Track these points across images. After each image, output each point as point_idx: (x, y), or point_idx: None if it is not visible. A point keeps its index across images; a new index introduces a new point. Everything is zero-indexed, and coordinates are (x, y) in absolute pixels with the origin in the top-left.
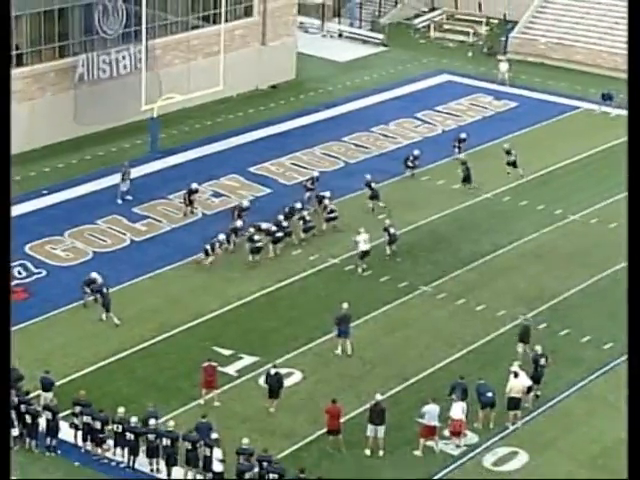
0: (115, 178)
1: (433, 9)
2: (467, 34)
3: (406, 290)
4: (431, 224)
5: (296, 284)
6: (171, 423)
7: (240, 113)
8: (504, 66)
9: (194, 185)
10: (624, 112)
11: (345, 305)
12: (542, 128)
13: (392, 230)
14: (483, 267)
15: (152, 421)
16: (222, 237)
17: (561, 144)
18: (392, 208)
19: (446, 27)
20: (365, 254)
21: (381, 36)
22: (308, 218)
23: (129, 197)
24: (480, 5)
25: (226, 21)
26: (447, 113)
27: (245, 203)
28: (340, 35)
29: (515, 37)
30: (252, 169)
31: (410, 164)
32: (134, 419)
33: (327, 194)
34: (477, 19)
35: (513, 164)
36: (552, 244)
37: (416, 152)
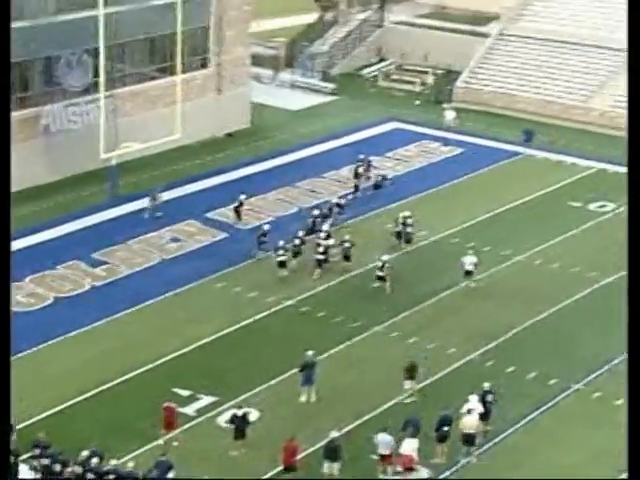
0: (74, 224)
1: (381, 60)
2: (414, 83)
3: (360, 329)
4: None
5: (253, 325)
6: (130, 464)
7: (198, 160)
8: (450, 114)
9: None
10: (549, 154)
11: (310, 352)
12: (487, 173)
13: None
14: (434, 306)
15: (95, 459)
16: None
17: (506, 188)
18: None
19: (394, 77)
20: (468, 273)
21: (332, 85)
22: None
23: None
24: (426, 56)
25: (183, 72)
26: (396, 159)
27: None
28: (293, 85)
29: (460, 86)
30: (209, 214)
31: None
32: (95, 460)
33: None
34: (424, 69)
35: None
36: (500, 283)
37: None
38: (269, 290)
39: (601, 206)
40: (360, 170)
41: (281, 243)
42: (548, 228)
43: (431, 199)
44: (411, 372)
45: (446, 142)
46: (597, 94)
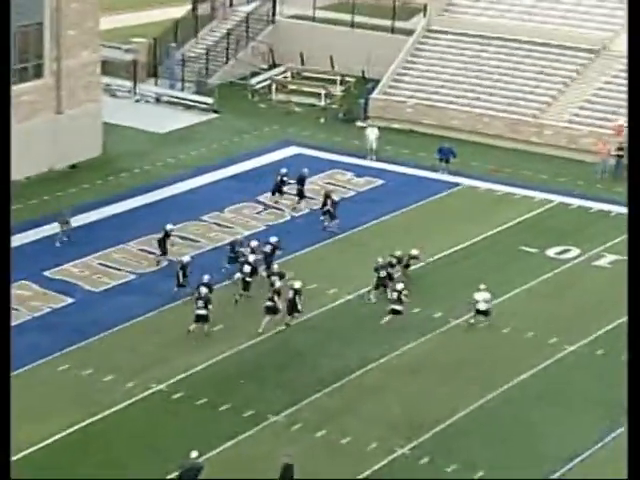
0: None
1: (274, 65)
2: (318, 96)
3: (252, 421)
4: (282, 334)
5: (111, 418)
6: None
7: (32, 201)
8: (373, 133)
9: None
10: (493, 185)
11: (194, 454)
12: (415, 211)
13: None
14: (348, 388)
15: None
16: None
17: (438, 231)
18: (232, 315)
19: (291, 87)
20: (480, 312)
21: (210, 100)
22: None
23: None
24: (332, 60)
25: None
26: (296, 195)
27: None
28: (158, 100)
29: (377, 98)
30: (48, 273)
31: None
32: None
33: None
34: (330, 77)
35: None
36: (431, 356)
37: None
38: (131, 371)
39: (562, 252)
40: (285, 189)
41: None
42: (494, 281)
43: (338, 249)
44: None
45: (360, 172)
46: (552, 106)
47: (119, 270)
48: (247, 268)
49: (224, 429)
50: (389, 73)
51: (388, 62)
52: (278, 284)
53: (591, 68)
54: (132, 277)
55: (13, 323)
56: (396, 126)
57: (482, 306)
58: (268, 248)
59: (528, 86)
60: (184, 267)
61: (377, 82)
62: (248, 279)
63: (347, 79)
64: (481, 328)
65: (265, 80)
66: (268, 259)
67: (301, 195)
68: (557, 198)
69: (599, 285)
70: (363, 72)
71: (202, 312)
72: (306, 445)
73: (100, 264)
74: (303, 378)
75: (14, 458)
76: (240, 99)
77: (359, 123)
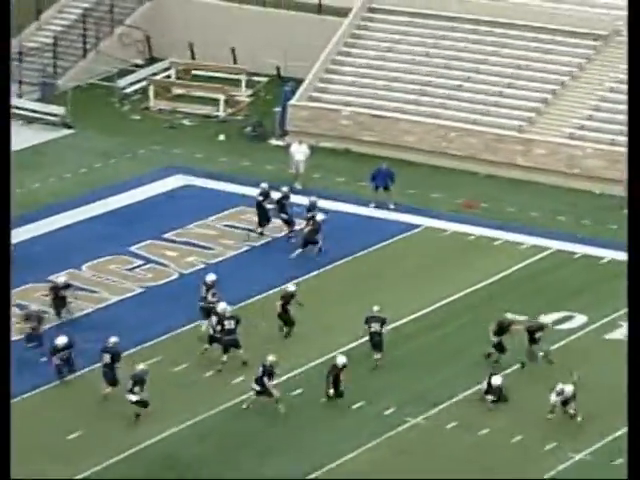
0: None
1: (152, 60)
2: (215, 103)
3: None
4: (169, 438)
5: None
6: None
7: None
8: (300, 152)
9: None
10: (465, 227)
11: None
12: (357, 263)
13: None
14: None
15: None
16: None
17: (389, 290)
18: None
19: (177, 91)
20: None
21: (60, 110)
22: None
23: None
24: (235, 53)
25: None
26: (185, 244)
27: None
28: None
29: (299, 106)
30: None
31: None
32: None
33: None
34: (232, 77)
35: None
36: (381, 466)
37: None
38: None
39: (562, 320)
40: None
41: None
42: (468, 364)
43: (254, 313)
44: None
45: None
46: (544, 115)
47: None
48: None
49: None
50: (315, 70)
51: (314, 55)
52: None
53: (599, 61)
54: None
55: None
56: (326, 145)
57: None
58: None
59: (512, 87)
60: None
61: (299, 83)
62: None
63: (256, 79)
64: (449, 430)
65: (139, 81)
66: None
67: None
68: (554, 244)
69: (614, 367)
70: (279, 69)
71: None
72: None
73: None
74: None
75: None
76: (103, 108)
77: (274, 141)
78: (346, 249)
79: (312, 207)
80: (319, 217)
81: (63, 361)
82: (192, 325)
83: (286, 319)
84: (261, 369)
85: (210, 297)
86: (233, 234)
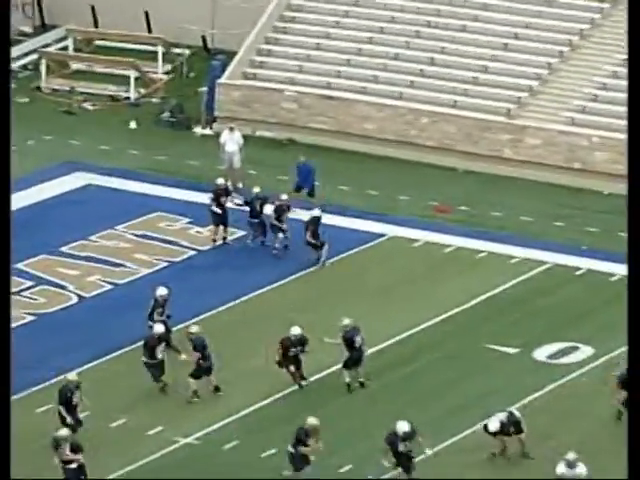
0: None
1: (44, 28)
2: (124, 81)
3: None
4: None
5: None
6: None
7: None
8: (233, 142)
9: None
10: (442, 237)
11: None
12: (309, 279)
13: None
14: None
15: None
16: None
17: (348, 314)
18: None
19: (76, 66)
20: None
21: None
22: None
23: None
24: (149, 18)
25: None
26: (88, 259)
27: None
28: None
29: (231, 85)
30: None
31: None
32: None
33: None
34: (146, 48)
35: None
36: None
37: None
38: None
39: (562, 353)
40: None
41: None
42: (441, 408)
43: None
44: None
45: (200, 216)
46: (537, 96)
47: None
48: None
49: None
50: (251, 40)
51: (249, 20)
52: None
53: (606, 27)
54: None
55: None
56: (265, 134)
57: (492, 426)
58: None
59: (498, 60)
60: None
61: (230, 56)
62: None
63: (177, 51)
64: None
65: (28, 54)
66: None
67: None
68: (552, 257)
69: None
70: (204, 38)
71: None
72: None
73: None
74: None
75: None
76: None
77: (199, 129)
78: (292, 265)
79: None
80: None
81: None
82: (95, 362)
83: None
84: None
85: (158, 317)
86: (147, 248)
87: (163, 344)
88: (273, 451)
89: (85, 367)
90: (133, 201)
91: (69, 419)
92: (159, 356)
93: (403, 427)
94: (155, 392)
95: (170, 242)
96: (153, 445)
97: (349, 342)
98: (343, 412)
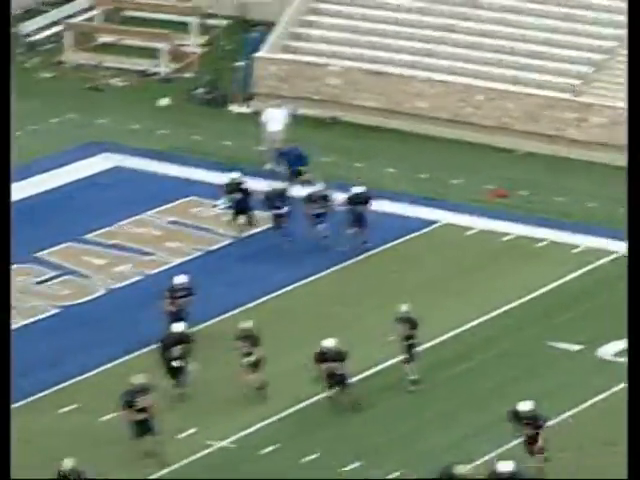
0: None
1: None
2: (154, 55)
3: None
4: None
5: None
6: None
7: None
8: (276, 121)
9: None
10: (498, 224)
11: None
12: (351, 270)
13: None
14: None
15: None
16: None
17: (393, 308)
18: None
19: (104, 39)
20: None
21: None
22: None
23: None
24: None
25: None
26: (115, 248)
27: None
28: None
29: (270, 60)
30: None
31: None
32: None
33: None
34: (178, 19)
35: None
36: None
37: None
38: None
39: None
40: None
41: None
42: (492, 419)
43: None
44: None
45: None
46: (603, 72)
47: None
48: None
49: None
50: (292, 10)
51: None
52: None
53: None
54: None
55: None
56: (307, 112)
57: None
58: None
59: (561, 32)
60: None
61: (269, 27)
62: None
63: (212, 22)
64: None
65: (51, 25)
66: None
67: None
68: (619, 246)
69: None
70: (241, 9)
71: None
72: None
73: None
74: None
75: None
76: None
77: (236, 107)
78: (335, 255)
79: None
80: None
81: None
82: (124, 359)
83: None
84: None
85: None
86: (182, 233)
87: (181, 346)
88: (314, 456)
89: (111, 364)
90: (164, 185)
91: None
92: (176, 358)
93: None
94: (188, 391)
95: (204, 229)
96: (185, 449)
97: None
98: (393, 413)
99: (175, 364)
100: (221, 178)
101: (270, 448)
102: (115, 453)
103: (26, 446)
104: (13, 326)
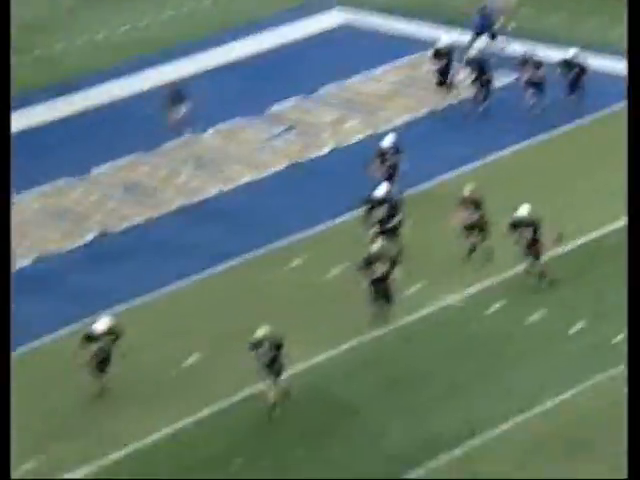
0: None
1: None
2: None
3: None
4: (317, 368)
5: None
6: None
7: None
8: None
9: None
10: None
11: None
12: (580, 132)
13: None
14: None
15: None
16: None
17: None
18: None
19: None
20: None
21: None
22: None
23: None
24: None
25: None
26: (345, 105)
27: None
28: None
29: None
30: None
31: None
32: None
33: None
34: None
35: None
36: None
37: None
38: None
39: None
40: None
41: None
42: None
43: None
44: None
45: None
46: None
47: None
48: None
49: None
50: None
51: None
52: None
53: None
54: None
55: None
56: None
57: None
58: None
59: None
60: None
61: None
62: None
63: None
64: None
65: None
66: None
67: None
68: None
69: None
70: None
71: None
72: None
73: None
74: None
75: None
76: None
77: None
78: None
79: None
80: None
81: None
82: (349, 216)
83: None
84: None
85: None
86: (411, 92)
87: (386, 207)
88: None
89: (336, 221)
90: (394, 41)
91: None
92: (381, 220)
93: None
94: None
95: (430, 90)
96: (413, 305)
97: None
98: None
99: (385, 227)
100: (452, 35)
101: (496, 306)
102: (340, 311)
103: (254, 295)
104: (246, 180)
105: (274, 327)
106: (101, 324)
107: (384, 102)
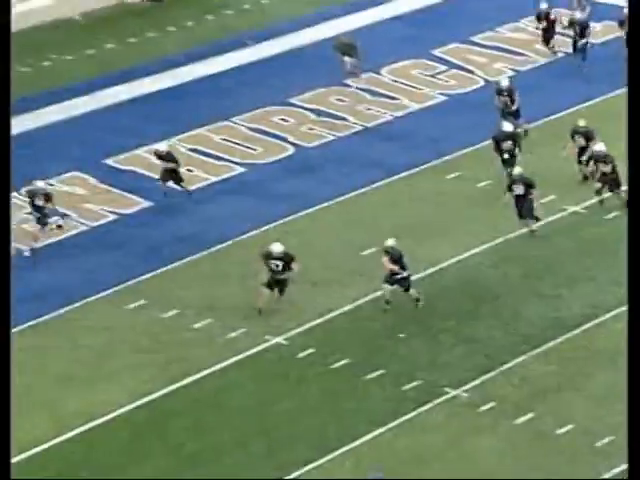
0: None
1: None
2: None
3: (419, 396)
4: (467, 261)
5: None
6: None
7: (89, 51)
8: None
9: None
10: None
11: None
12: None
13: None
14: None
15: None
16: None
17: None
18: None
19: None
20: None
21: None
22: None
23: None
24: None
25: None
26: (494, 49)
27: None
28: None
29: None
30: (112, 161)
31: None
32: None
33: None
34: None
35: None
36: None
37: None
38: (235, 315)
39: None
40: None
41: None
42: None
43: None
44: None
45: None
46: None
47: (220, 160)
48: None
49: (377, 408)
50: None
51: None
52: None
53: None
54: (241, 170)
55: (54, 239)
56: None
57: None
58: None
59: None
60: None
61: None
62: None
63: None
64: None
65: None
66: None
67: None
68: None
69: None
70: None
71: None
72: (502, 435)
73: (191, 150)
74: (495, 334)
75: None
76: None
77: None
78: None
79: None
80: None
81: None
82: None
83: None
84: None
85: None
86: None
87: (511, 141)
88: None
89: (485, 143)
90: None
91: None
92: (507, 151)
93: None
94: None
95: (561, 33)
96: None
97: None
98: None
99: (506, 156)
100: None
101: (610, 215)
102: (479, 214)
103: (420, 201)
104: (411, 108)
105: (433, 227)
106: (277, 247)
107: (527, 47)
